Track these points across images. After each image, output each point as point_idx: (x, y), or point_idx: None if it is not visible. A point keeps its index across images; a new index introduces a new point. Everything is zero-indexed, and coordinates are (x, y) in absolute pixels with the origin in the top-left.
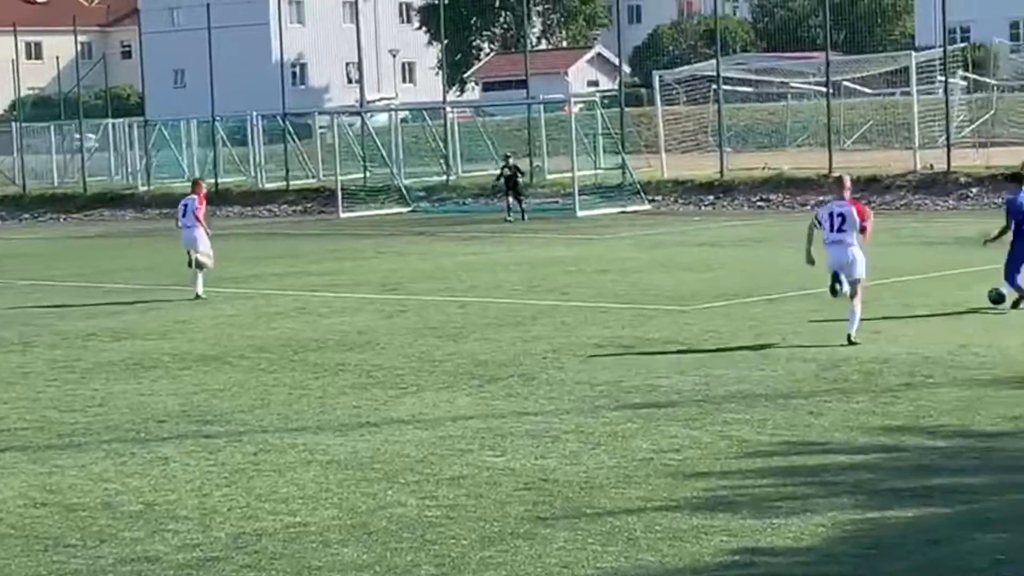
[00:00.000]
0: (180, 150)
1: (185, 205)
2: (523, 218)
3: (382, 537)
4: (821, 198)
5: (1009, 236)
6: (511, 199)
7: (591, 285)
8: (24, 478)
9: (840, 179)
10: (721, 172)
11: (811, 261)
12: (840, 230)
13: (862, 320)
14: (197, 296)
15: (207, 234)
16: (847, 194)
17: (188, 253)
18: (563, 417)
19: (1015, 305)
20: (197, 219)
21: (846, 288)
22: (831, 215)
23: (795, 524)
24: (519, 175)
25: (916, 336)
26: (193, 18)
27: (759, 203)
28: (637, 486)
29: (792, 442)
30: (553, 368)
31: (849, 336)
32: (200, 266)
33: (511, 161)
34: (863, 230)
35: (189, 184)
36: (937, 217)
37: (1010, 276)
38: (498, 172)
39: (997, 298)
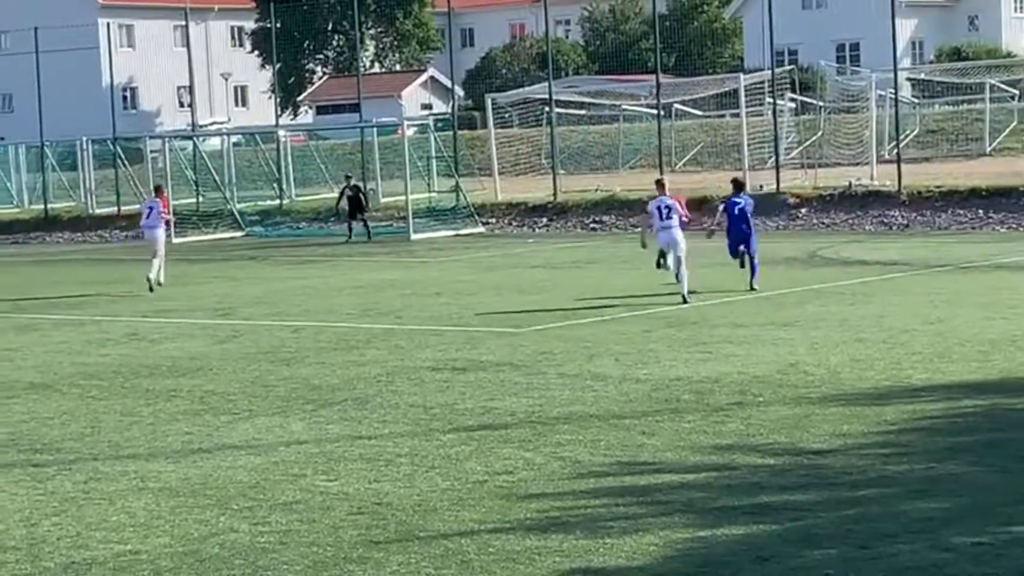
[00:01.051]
0: (8, 175)
1: (150, 207)
2: (369, 238)
3: (215, 564)
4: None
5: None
6: (354, 221)
7: (425, 308)
8: None
9: (660, 181)
10: (554, 194)
11: (644, 245)
12: (668, 218)
13: (691, 293)
14: (159, 284)
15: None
16: (667, 192)
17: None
18: (397, 440)
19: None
20: (163, 219)
21: (670, 263)
22: (659, 207)
23: (628, 543)
24: (361, 195)
25: (746, 356)
26: (21, 42)
27: (592, 225)
28: (471, 508)
29: (625, 462)
30: (387, 391)
31: (684, 297)
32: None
33: (352, 182)
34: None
35: (17, 210)
36: (766, 237)
37: (731, 250)
38: (338, 194)
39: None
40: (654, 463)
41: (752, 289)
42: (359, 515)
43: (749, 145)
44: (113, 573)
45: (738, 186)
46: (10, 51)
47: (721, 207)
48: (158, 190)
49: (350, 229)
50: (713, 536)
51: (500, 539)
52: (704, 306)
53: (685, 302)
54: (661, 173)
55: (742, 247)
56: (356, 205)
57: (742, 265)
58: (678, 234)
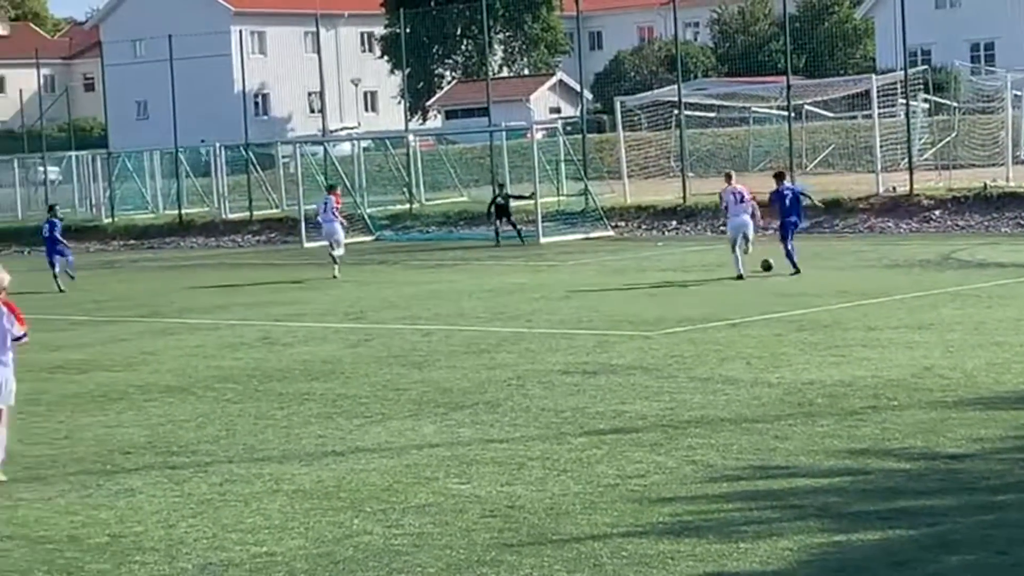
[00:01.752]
0: (144, 182)
1: (325, 203)
2: (522, 241)
3: (348, 566)
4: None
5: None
6: (501, 224)
7: (555, 312)
8: None
9: (729, 174)
10: (684, 197)
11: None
12: (740, 203)
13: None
14: (334, 277)
15: (343, 226)
16: (735, 183)
17: (330, 245)
18: (528, 444)
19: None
20: (334, 215)
21: (747, 246)
22: (733, 194)
23: (762, 548)
24: (511, 200)
25: (880, 359)
26: (155, 50)
27: (722, 228)
28: (603, 512)
29: (757, 466)
30: (518, 395)
31: (741, 275)
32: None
33: (505, 191)
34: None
35: (153, 215)
36: (900, 240)
37: (786, 234)
38: (490, 201)
39: (766, 267)
40: (787, 467)
41: (797, 271)
42: (491, 518)
43: (881, 147)
44: (249, 574)
45: (780, 177)
46: (145, 59)
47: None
48: (331, 188)
49: (497, 233)
50: (848, 541)
51: (633, 543)
52: (836, 309)
53: (740, 278)
54: (791, 173)
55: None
56: (504, 211)
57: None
58: (748, 220)
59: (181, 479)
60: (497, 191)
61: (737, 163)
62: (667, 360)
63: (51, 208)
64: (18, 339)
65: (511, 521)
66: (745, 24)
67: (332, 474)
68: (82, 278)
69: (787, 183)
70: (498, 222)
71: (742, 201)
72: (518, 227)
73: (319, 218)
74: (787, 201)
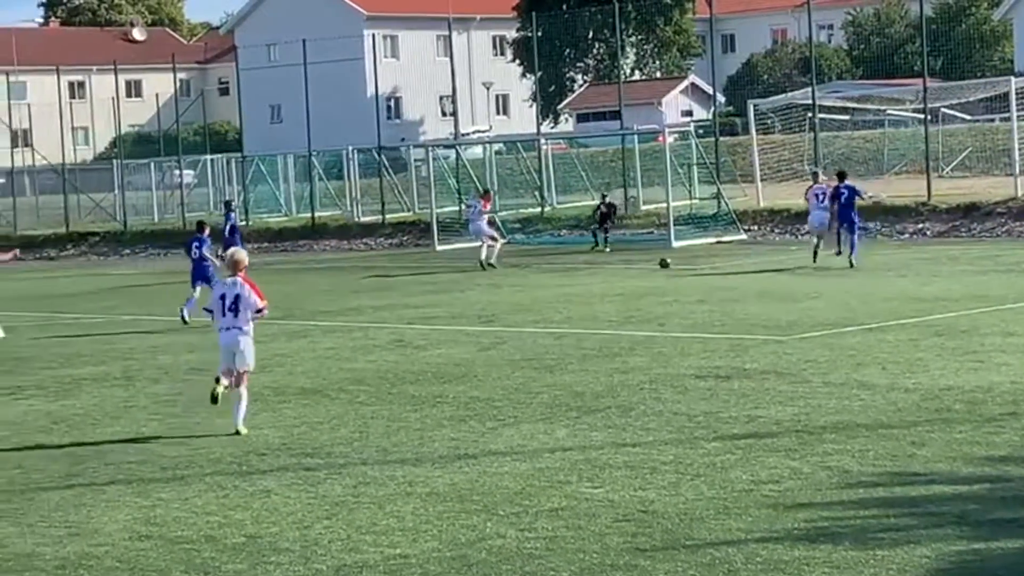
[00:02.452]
0: (277, 185)
1: (471, 206)
2: (606, 246)
3: (482, 569)
4: (920, 225)
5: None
6: (599, 231)
7: (687, 315)
8: (129, 511)
9: (816, 172)
10: None
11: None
12: (822, 203)
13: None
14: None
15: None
16: (822, 181)
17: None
18: (661, 448)
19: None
20: (484, 216)
21: (821, 242)
22: (816, 194)
23: (899, 556)
24: (613, 210)
25: (1020, 365)
26: (289, 54)
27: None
28: (737, 517)
29: (894, 472)
30: (650, 399)
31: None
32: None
33: (607, 200)
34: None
35: (286, 218)
36: None
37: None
38: (594, 209)
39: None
40: (925, 474)
41: (852, 266)
42: (625, 522)
43: (1020, 150)
44: None
45: (841, 176)
46: (279, 63)
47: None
48: (486, 193)
49: (595, 236)
50: (987, 549)
51: (767, 549)
52: (974, 314)
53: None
54: (928, 179)
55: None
56: (605, 219)
57: (839, 251)
58: (826, 217)
59: (315, 481)
60: (600, 200)
61: (872, 167)
62: (801, 365)
63: (227, 203)
64: (259, 311)
65: (644, 526)
66: (880, 26)
67: (465, 477)
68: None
69: (847, 182)
70: (597, 229)
71: (822, 202)
72: (607, 235)
73: (469, 216)
74: (843, 199)
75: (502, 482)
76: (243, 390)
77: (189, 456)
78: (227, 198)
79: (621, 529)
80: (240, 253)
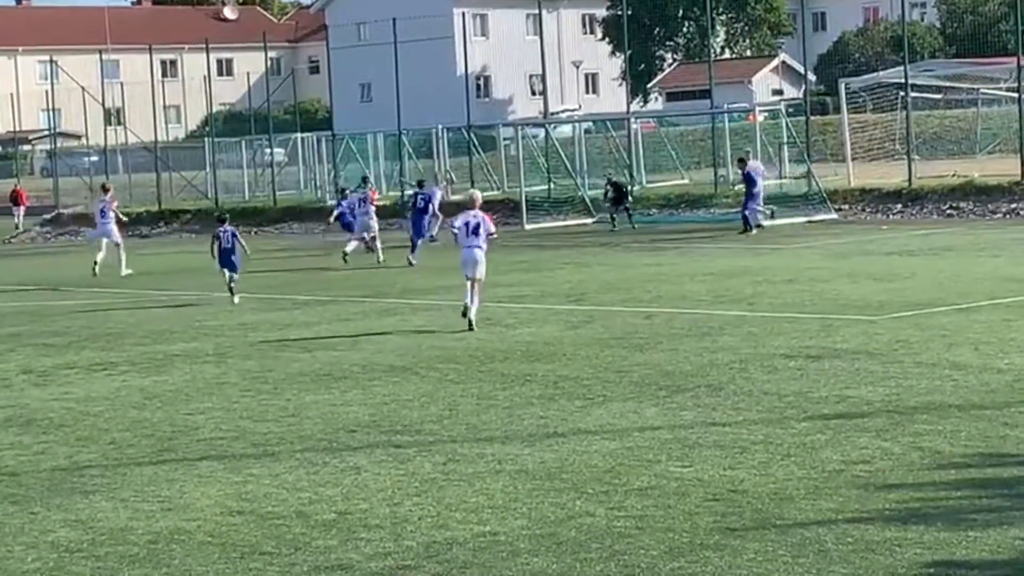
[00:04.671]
0: (367, 163)
1: (362, 198)
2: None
3: (571, 547)
4: (1013, 205)
5: None
6: (616, 212)
7: (777, 295)
8: (220, 487)
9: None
10: (909, 180)
11: None
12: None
13: None
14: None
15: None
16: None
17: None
18: (751, 428)
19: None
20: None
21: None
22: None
23: (991, 537)
24: (625, 190)
25: None
26: (379, 33)
27: (948, 211)
28: (827, 497)
29: (986, 453)
30: (740, 378)
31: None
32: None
33: (613, 179)
34: None
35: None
36: None
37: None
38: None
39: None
40: (1018, 455)
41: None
42: (714, 502)
43: None
44: (473, 554)
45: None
46: (369, 42)
47: None
48: (365, 180)
49: (612, 218)
50: None
51: (858, 529)
52: None
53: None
54: (1022, 159)
55: None
56: (620, 199)
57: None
58: None
59: (405, 458)
60: (607, 181)
61: (964, 146)
62: (892, 345)
63: (420, 183)
64: (491, 234)
65: (734, 505)
66: (974, 3)
67: (554, 455)
68: (307, 258)
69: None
70: (612, 209)
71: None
72: (629, 214)
73: (354, 211)
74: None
75: (591, 460)
76: (477, 292)
77: (280, 433)
78: (420, 178)
79: (711, 508)
80: (477, 193)
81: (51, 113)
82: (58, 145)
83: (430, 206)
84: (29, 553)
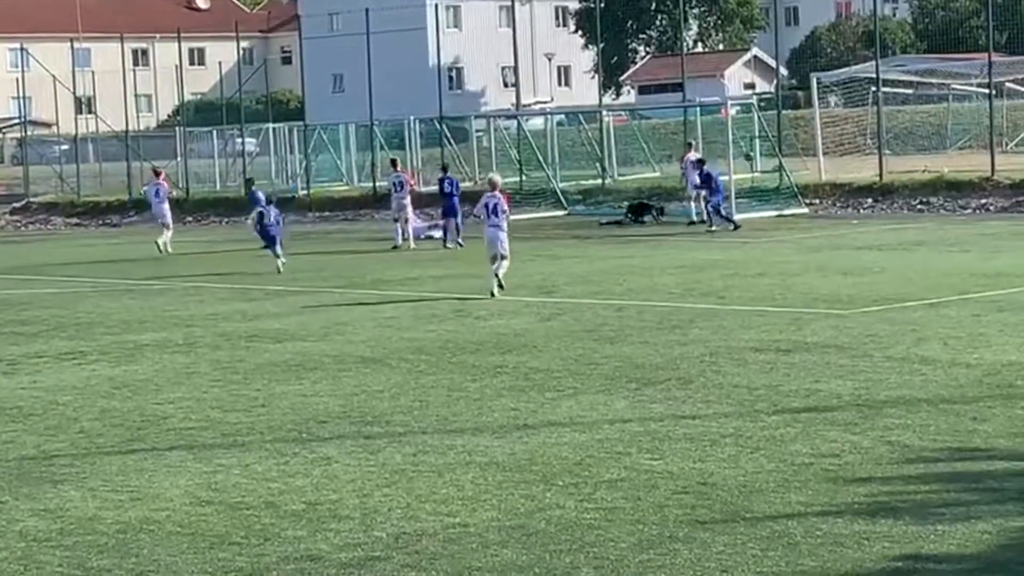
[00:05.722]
0: (339, 154)
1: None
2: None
3: (541, 539)
4: (983, 201)
5: None
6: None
7: (748, 288)
8: (190, 476)
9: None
10: (880, 175)
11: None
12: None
13: None
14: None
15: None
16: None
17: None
18: (721, 421)
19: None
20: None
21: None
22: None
23: (959, 531)
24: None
25: None
26: (352, 24)
27: (919, 207)
28: (797, 491)
29: (955, 448)
30: (710, 371)
31: None
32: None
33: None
34: None
35: (347, 187)
36: None
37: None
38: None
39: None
40: (986, 449)
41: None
42: (684, 494)
43: None
44: (442, 545)
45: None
46: (342, 32)
47: None
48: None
49: (626, 219)
50: None
51: (827, 522)
52: None
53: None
54: (992, 155)
55: None
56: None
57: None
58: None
59: (375, 449)
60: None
61: (935, 142)
62: (862, 339)
63: (444, 167)
64: (504, 212)
65: (704, 498)
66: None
67: (524, 447)
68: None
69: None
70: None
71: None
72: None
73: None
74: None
75: (561, 453)
76: (504, 263)
77: (249, 423)
78: (444, 162)
79: (680, 501)
80: (497, 176)
81: (22, 101)
82: (28, 133)
83: (456, 189)
84: None
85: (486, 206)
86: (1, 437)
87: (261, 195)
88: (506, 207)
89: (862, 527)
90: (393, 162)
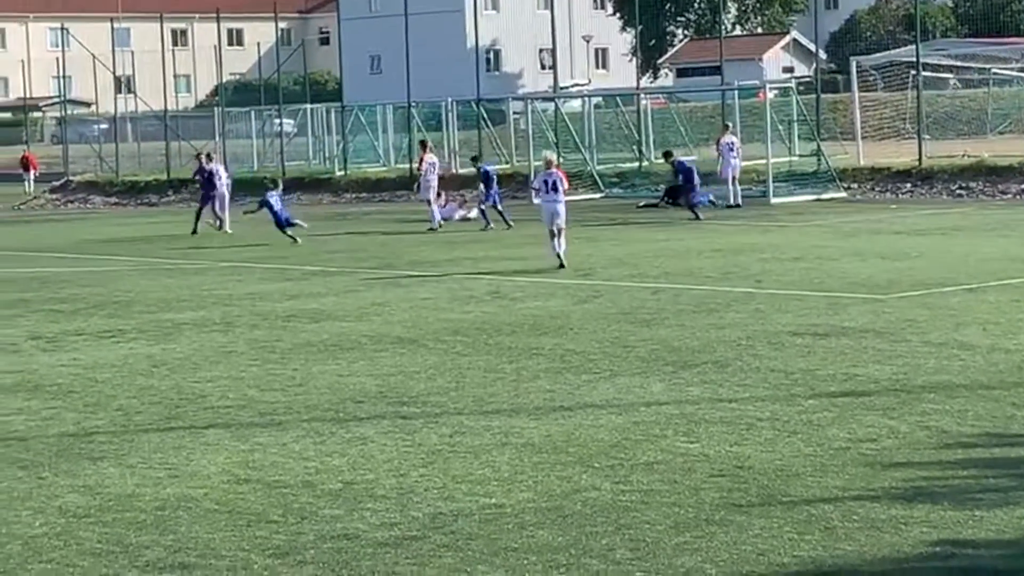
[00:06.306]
0: (376, 135)
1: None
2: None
3: (577, 520)
4: (1023, 186)
5: None
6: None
7: (785, 272)
8: (228, 455)
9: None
10: (919, 160)
11: None
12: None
13: None
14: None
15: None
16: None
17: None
18: (758, 404)
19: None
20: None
21: None
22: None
23: (998, 517)
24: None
25: None
26: (390, 4)
27: (958, 191)
28: (834, 475)
29: (994, 433)
30: (747, 355)
31: None
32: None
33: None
34: None
35: (384, 169)
36: None
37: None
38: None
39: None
40: None
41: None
42: (720, 477)
43: None
44: (479, 525)
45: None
46: (380, 13)
47: None
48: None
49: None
50: None
51: (864, 507)
52: None
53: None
54: None
55: None
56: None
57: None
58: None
59: (412, 429)
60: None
61: (975, 126)
62: (900, 324)
63: (475, 159)
64: (564, 189)
65: (740, 481)
66: None
67: (561, 429)
68: (315, 229)
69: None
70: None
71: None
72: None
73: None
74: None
75: (597, 435)
76: (563, 237)
77: (287, 402)
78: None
79: (717, 484)
80: (552, 154)
81: (62, 80)
82: (68, 112)
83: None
84: (37, 518)
85: (545, 182)
86: (41, 414)
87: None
88: (566, 185)
89: (900, 512)
90: (423, 144)
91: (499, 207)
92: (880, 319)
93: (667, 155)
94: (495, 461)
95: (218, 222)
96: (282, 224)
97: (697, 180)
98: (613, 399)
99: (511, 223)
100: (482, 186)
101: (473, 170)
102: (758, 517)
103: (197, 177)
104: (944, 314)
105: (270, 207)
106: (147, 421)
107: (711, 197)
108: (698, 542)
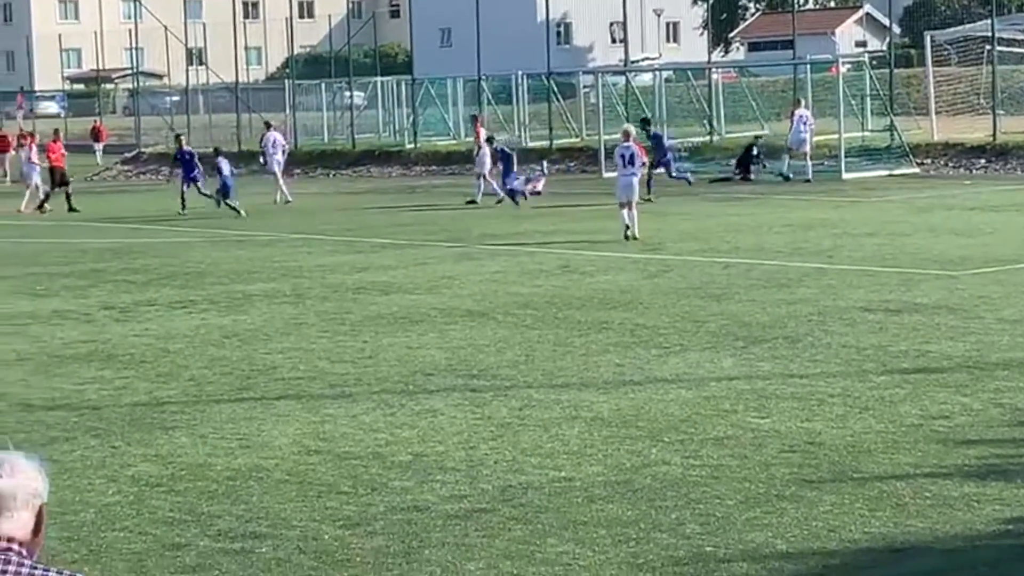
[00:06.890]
0: (446, 108)
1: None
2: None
3: (647, 494)
4: None
5: None
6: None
7: (857, 248)
8: (298, 426)
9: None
10: (994, 135)
11: None
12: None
13: None
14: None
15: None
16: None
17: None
18: (829, 380)
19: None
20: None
21: None
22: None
23: None
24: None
25: None
26: None
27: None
28: (906, 452)
29: None
30: (818, 331)
31: None
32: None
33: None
34: None
35: (454, 142)
36: None
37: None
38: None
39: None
40: None
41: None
42: (791, 453)
43: None
44: (548, 498)
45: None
46: None
47: None
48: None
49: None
50: None
51: (936, 484)
52: None
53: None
54: None
55: None
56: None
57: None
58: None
59: (481, 402)
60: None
61: None
62: (974, 300)
63: (490, 139)
64: (643, 164)
65: (811, 457)
66: None
67: (630, 403)
68: (383, 203)
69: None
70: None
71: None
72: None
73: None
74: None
75: (667, 409)
76: (636, 211)
77: (357, 374)
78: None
79: (787, 460)
80: (631, 127)
81: (134, 52)
82: (140, 84)
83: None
84: (110, 486)
85: (622, 156)
86: (114, 383)
87: (222, 162)
88: (644, 159)
89: (972, 489)
90: (474, 118)
91: (511, 187)
92: (953, 295)
93: (645, 122)
94: (564, 434)
95: (277, 194)
96: (228, 193)
97: (670, 155)
98: (683, 374)
99: (519, 202)
100: (501, 164)
101: (545, 143)
102: (829, 493)
103: (177, 158)
104: (1018, 291)
105: (220, 171)
106: (218, 391)
107: (688, 175)
108: (768, 517)
